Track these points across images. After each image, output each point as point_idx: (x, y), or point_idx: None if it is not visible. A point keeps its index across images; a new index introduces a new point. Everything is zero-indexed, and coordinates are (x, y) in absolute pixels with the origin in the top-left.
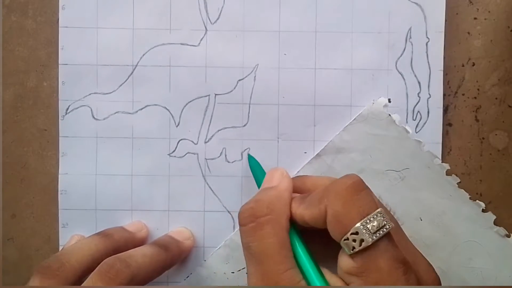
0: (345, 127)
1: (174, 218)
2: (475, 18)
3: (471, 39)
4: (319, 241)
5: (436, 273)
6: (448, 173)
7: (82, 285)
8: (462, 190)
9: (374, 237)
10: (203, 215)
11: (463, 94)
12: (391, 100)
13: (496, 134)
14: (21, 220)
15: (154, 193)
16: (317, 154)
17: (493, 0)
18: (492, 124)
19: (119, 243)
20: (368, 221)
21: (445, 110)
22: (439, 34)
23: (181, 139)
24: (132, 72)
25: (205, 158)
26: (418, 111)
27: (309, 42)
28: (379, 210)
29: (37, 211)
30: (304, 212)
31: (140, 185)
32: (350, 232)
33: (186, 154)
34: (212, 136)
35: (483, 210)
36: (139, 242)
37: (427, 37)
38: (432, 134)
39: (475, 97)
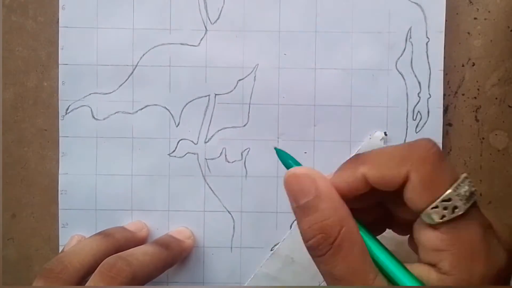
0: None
1: (174, 218)
2: (475, 18)
3: (471, 39)
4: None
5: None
6: None
7: (86, 285)
8: None
9: (468, 204)
10: (203, 215)
11: (463, 94)
12: (387, 133)
13: (496, 134)
14: (21, 220)
15: (154, 193)
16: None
17: (493, 0)
18: (492, 124)
19: (120, 243)
20: (459, 186)
21: (445, 110)
22: (439, 34)
23: (181, 139)
24: (132, 72)
25: (205, 158)
26: (418, 111)
27: (309, 42)
28: (465, 175)
29: (37, 211)
30: (372, 172)
31: (140, 185)
32: (441, 199)
33: (186, 154)
34: (212, 136)
35: None
36: (140, 242)
37: (427, 37)
38: (432, 134)
39: (475, 97)
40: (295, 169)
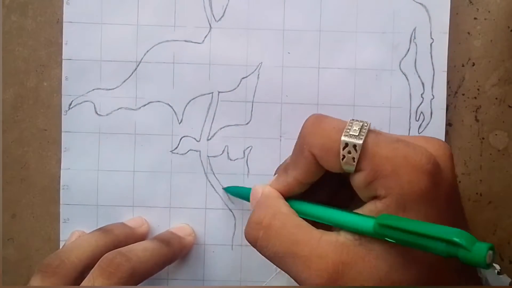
0: None
1: (176, 215)
2: (475, 18)
3: (471, 39)
4: None
5: (440, 140)
6: None
7: (84, 281)
8: None
9: (362, 136)
10: (204, 212)
11: (463, 94)
12: None
13: (496, 134)
14: (21, 220)
15: (155, 189)
16: None
17: (493, 0)
18: (492, 124)
19: (119, 238)
20: (348, 130)
21: (445, 110)
22: (443, 35)
23: (184, 136)
24: (136, 68)
25: (208, 156)
26: (421, 112)
27: (313, 41)
28: (350, 120)
29: (37, 211)
30: (295, 173)
31: (142, 182)
32: (341, 148)
33: (188, 151)
34: (214, 134)
35: (498, 273)
36: (139, 238)
37: (432, 38)
38: (434, 135)
39: (475, 97)
40: (254, 187)
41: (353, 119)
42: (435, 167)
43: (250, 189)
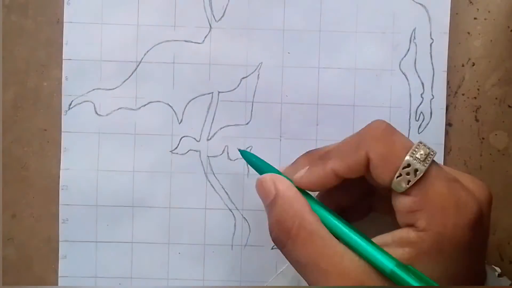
0: None
1: (175, 215)
2: (475, 18)
3: (471, 39)
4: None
5: (484, 183)
6: None
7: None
8: None
9: (426, 164)
10: (204, 212)
11: (463, 94)
12: None
13: (496, 134)
14: (21, 220)
15: (155, 190)
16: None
17: (493, 0)
18: (492, 124)
19: None
20: (414, 151)
21: (445, 110)
22: (443, 35)
23: (184, 136)
24: (136, 69)
25: (207, 156)
26: (421, 112)
27: (313, 41)
28: (418, 141)
29: (37, 211)
30: (337, 165)
31: (142, 182)
32: (402, 166)
33: (188, 151)
34: (214, 134)
35: (498, 275)
36: None
37: (431, 38)
38: (434, 135)
39: (475, 97)
40: (261, 176)
41: (421, 142)
42: (481, 218)
43: (268, 165)
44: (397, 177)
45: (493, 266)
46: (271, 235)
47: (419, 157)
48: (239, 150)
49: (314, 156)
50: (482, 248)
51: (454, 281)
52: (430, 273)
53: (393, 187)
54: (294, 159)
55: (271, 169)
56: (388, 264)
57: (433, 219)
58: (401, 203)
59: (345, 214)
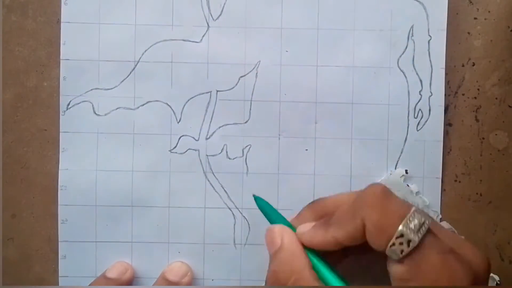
0: None
1: (175, 214)
2: (475, 18)
3: (471, 39)
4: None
5: (482, 253)
6: None
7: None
8: None
9: (420, 235)
10: (203, 211)
11: (463, 94)
12: (408, 171)
13: (496, 134)
14: (21, 220)
15: (154, 189)
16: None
17: (493, 0)
18: (492, 124)
19: None
20: (408, 221)
21: (445, 110)
22: (441, 32)
23: (182, 135)
24: (134, 68)
25: (206, 155)
26: (420, 109)
27: (311, 39)
28: (414, 208)
29: (37, 211)
30: (337, 233)
31: (141, 181)
32: (395, 236)
33: (187, 151)
34: (213, 133)
35: (497, 284)
36: (126, 284)
37: (429, 35)
38: (433, 132)
39: (475, 97)
40: (271, 226)
41: (416, 210)
42: None
43: (279, 216)
44: (391, 246)
45: (492, 274)
46: (266, 283)
47: (413, 228)
48: (254, 196)
49: (317, 212)
50: None
51: None
52: None
53: (387, 254)
54: (294, 159)
55: (281, 220)
56: None
57: None
58: (395, 270)
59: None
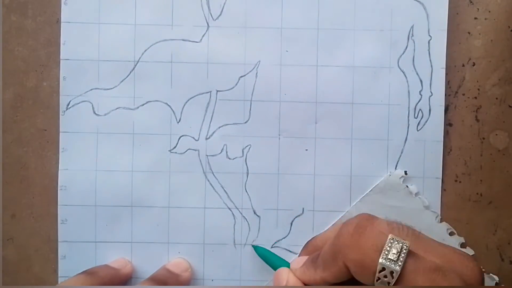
0: (362, 197)
1: (174, 214)
2: (475, 18)
3: (471, 39)
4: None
5: (475, 262)
6: (463, 246)
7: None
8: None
9: (400, 263)
10: (203, 212)
11: (463, 94)
12: (407, 172)
13: (496, 134)
14: (21, 220)
15: (154, 189)
16: (334, 224)
17: (493, 0)
18: (492, 124)
19: (104, 280)
20: (386, 252)
21: (446, 110)
22: (441, 32)
23: (182, 135)
24: (134, 68)
25: (206, 155)
26: (420, 109)
27: (311, 39)
28: (390, 237)
29: (37, 211)
30: (324, 274)
31: (141, 181)
32: (378, 271)
33: (187, 151)
34: (213, 133)
35: (496, 284)
36: (124, 278)
37: (429, 35)
38: (433, 132)
39: (476, 97)
40: (279, 270)
41: (392, 238)
42: None
43: (279, 258)
44: (377, 280)
45: (491, 274)
46: None
47: (392, 258)
48: (253, 246)
49: (310, 252)
50: None
51: None
52: None
53: (377, 286)
54: (294, 159)
55: (282, 263)
56: None
57: None
58: None
59: None
